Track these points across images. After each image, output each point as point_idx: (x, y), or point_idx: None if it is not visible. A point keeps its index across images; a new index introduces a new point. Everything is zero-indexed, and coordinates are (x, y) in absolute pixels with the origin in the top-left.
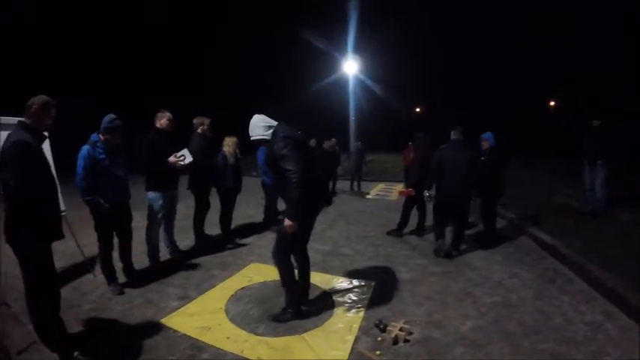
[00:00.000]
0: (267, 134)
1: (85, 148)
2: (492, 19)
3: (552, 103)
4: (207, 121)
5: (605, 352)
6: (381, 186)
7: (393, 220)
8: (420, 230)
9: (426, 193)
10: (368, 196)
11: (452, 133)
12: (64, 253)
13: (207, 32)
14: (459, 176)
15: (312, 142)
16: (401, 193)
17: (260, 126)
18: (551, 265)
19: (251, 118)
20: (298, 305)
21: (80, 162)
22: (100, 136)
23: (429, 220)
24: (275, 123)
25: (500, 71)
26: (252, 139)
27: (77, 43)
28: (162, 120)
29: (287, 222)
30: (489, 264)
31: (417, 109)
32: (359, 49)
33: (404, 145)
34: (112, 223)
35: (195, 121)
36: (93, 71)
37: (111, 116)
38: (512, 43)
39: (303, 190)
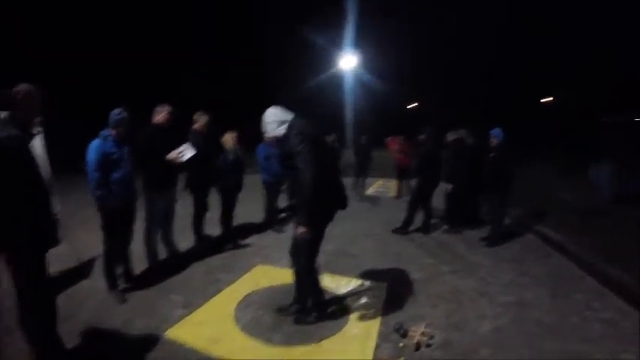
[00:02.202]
0: (279, 130)
1: (97, 142)
2: (492, 13)
3: (550, 99)
4: (206, 117)
5: (624, 349)
6: (380, 182)
7: (397, 217)
8: (425, 228)
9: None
10: (367, 193)
11: (449, 133)
12: (57, 256)
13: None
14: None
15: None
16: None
17: (272, 121)
18: (560, 263)
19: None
20: (324, 308)
21: (92, 154)
22: (111, 130)
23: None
24: (290, 117)
25: (500, 66)
26: (265, 137)
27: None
28: (162, 114)
29: (299, 228)
30: (498, 262)
31: (414, 104)
32: (358, 43)
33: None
34: (118, 223)
35: (194, 116)
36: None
37: (118, 109)
38: (513, 38)
39: (316, 192)
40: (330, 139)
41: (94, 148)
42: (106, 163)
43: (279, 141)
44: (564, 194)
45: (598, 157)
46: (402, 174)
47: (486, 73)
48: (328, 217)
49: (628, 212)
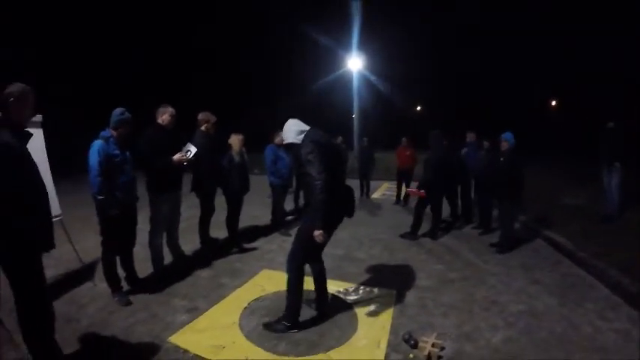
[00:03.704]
0: (298, 139)
1: (98, 143)
2: (495, 15)
3: (553, 103)
4: (213, 118)
5: None
6: (386, 185)
7: (404, 221)
8: (433, 233)
9: None
10: (373, 196)
11: (468, 135)
12: (59, 259)
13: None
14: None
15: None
16: (410, 193)
17: (292, 130)
18: (570, 270)
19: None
20: (296, 318)
21: (94, 157)
22: (112, 131)
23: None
24: (307, 128)
25: (503, 70)
26: (284, 142)
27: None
28: (164, 115)
29: (315, 232)
30: (508, 269)
31: (418, 108)
32: (363, 45)
33: (399, 142)
34: (119, 227)
35: (200, 116)
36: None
37: (120, 109)
38: (516, 40)
39: (328, 197)
40: (339, 141)
41: (96, 150)
42: (110, 167)
43: (290, 146)
44: (570, 199)
45: (610, 163)
46: (401, 179)
47: (493, 75)
48: (335, 224)
49: (634, 218)
